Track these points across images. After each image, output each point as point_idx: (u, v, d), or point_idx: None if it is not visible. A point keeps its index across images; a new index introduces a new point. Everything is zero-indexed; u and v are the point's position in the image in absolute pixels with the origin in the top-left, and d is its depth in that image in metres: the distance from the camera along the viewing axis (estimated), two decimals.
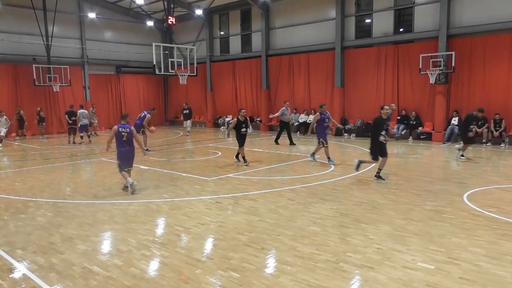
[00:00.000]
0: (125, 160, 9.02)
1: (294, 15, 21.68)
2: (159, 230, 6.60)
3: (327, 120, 12.04)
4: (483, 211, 6.99)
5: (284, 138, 16.99)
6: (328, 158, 11.95)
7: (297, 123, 21.00)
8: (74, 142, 18.33)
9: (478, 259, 5.00)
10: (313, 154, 12.44)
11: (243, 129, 11.86)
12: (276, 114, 17.37)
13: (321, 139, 11.84)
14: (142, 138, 15.18)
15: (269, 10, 22.67)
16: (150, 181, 10.15)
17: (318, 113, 12.12)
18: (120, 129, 8.86)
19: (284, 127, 16.99)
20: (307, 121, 20.31)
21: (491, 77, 15.64)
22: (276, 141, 16.89)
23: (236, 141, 12.06)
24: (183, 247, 5.67)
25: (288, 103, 17.42)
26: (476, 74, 16.02)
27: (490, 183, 9.23)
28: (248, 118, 12.41)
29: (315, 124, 12.03)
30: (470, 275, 4.58)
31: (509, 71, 15.17)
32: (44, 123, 21.30)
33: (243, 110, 12.07)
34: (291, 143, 16.40)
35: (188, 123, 21.32)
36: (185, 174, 10.85)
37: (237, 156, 12.32)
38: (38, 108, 21.18)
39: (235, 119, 12.04)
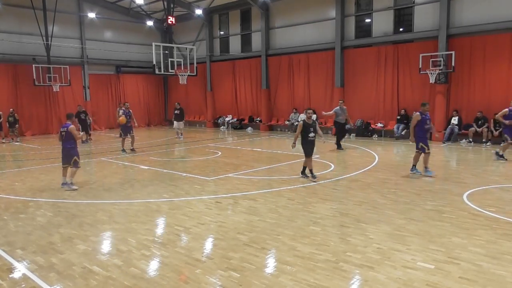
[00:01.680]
0: (62, 156, 9.63)
1: (294, 15, 21.66)
2: (159, 230, 6.60)
3: (428, 121, 10.15)
4: (483, 211, 6.99)
5: (344, 141, 15.55)
6: (426, 167, 10.14)
7: (297, 123, 20.95)
8: (87, 140, 18.54)
9: (478, 259, 5.00)
10: (413, 167, 10.32)
11: (311, 134, 9.64)
12: (329, 113, 15.73)
13: (420, 144, 10.03)
14: (131, 139, 15.29)
15: (269, 10, 22.66)
16: (150, 181, 10.15)
17: (418, 113, 10.15)
18: (60, 129, 9.58)
19: (338, 129, 15.25)
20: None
21: (491, 77, 15.64)
22: (338, 145, 14.92)
23: (302, 150, 9.85)
24: (183, 247, 5.67)
25: (342, 101, 15.42)
26: (476, 74, 16.01)
27: (490, 182, 9.23)
28: (315, 121, 10.13)
29: (415, 126, 10.13)
30: (470, 275, 4.58)
31: (509, 71, 15.17)
32: (16, 126, 20.06)
33: (310, 110, 9.84)
34: (339, 147, 14.83)
35: (179, 124, 19.69)
36: (185, 174, 10.85)
37: (303, 172, 10.06)
38: (11, 110, 20.09)
39: (301, 122, 9.79)
